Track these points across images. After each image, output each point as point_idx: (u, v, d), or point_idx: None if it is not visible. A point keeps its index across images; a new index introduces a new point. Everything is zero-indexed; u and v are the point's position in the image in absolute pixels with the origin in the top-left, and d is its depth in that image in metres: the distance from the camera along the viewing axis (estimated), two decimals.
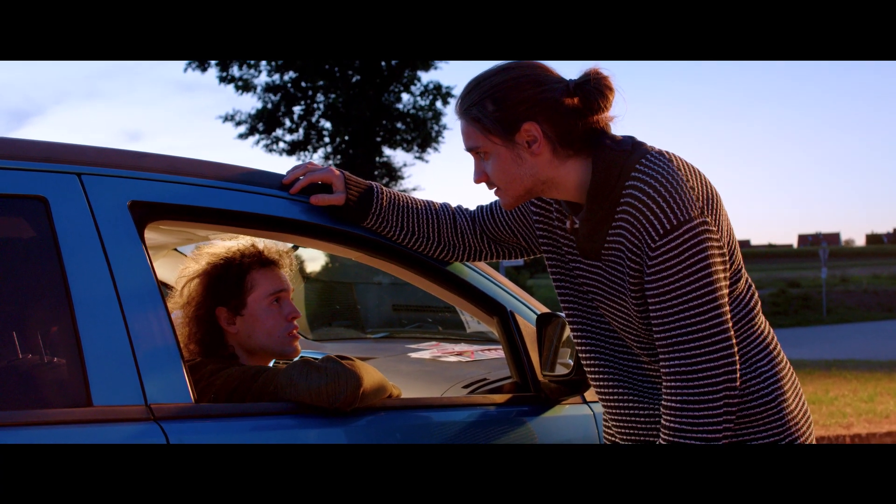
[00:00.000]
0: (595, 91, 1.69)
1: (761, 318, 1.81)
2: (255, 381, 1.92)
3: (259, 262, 2.16)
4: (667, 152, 1.74)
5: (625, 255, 1.70)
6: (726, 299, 1.67)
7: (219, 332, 2.13)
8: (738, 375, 1.65)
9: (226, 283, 2.13)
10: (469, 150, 1.79)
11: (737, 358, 1.65)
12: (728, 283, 1.70)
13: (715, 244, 1.65)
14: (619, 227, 1.70)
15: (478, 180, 1.81)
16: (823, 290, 25.26)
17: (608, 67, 1.71)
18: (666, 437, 1.67)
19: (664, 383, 1.68)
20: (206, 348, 2.12)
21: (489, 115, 1.71)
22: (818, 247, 28.25)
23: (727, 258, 1.70)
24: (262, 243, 2.21)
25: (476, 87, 1.75)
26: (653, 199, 1.64)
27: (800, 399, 1.81)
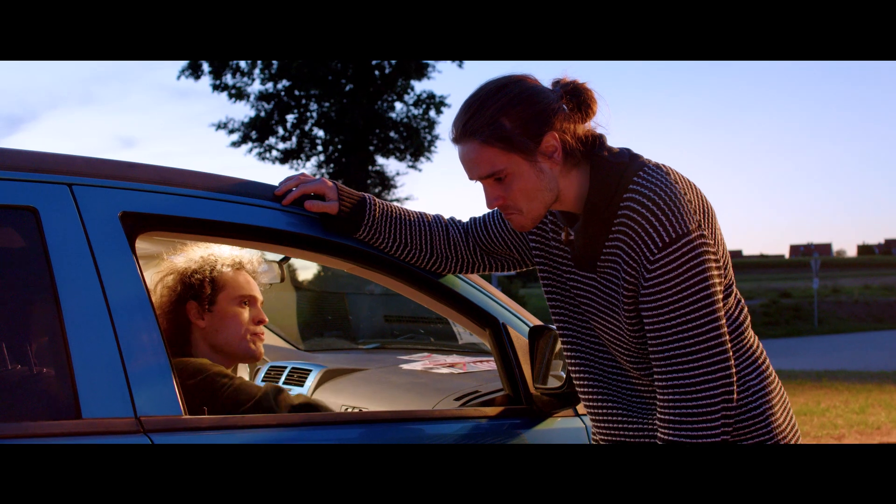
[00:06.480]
0: (581, 93, 1.70)
1: (750, 333, 1.82)
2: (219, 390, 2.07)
3: (233, 266, 2.29)
4: (663, 165, 1.74)
5: (621, 268, 1.70)
6: (722, 312, 1.67)
7: (186, 328, 2.23)
8: (734, 387, 1.66)
9: (199, 279, 2.25)
10: (486, 176, 1.71)
11: (733, 370, 1.66)
12: (722, 296, 1.71)
13: (712, 257, 1.66)
14: (617, 240, 1.70)
15: (496, 204, 1.74)
16: (815, 300, 25.33)
17: (578, 73, 1.73)
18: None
19: (659, 396, 1.68)
20: (171, 344, 2.17)
21: (509, 132, 1.67)
22: (810, 257, 28.34)
23: (722, 271, 1.70)
24: (240, 255, 2.33)
25: (480, 109, 1.69)
26: (651, 212, 1.64)
27: (787, 411, 1.82)
